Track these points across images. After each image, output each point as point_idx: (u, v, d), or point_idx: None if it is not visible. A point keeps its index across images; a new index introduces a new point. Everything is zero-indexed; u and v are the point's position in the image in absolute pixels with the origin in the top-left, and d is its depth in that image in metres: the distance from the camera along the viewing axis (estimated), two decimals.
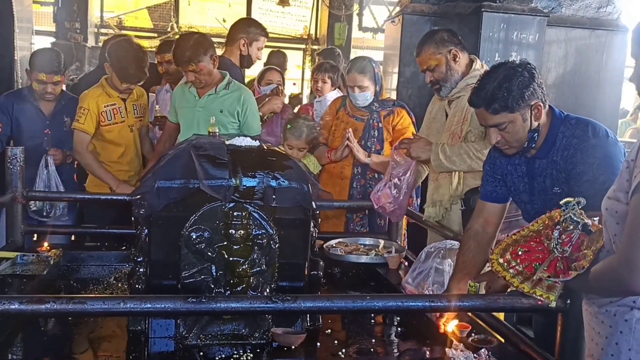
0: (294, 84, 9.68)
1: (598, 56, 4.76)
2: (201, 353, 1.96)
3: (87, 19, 8.70)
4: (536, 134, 2.07)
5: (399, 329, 2.27)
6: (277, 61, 5.07)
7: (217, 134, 2.50)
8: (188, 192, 1.97)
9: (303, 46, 10.05)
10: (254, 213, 2.00)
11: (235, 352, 1.96)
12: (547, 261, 1.62)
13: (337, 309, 1.83)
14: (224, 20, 9.28)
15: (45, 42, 7.99)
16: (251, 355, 1.95)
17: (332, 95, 4.04)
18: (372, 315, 2.32)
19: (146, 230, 2.03)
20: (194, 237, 1.97)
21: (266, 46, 4.32)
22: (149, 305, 1.57)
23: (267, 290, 2.03)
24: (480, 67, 2.88)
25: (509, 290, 1.77)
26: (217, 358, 1.94)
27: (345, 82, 3.86)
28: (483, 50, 4.15)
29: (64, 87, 4.79)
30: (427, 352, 2.02)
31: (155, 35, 9.11)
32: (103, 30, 9.21)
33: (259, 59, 4.09)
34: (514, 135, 2.06)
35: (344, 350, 2.01)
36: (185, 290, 1.96)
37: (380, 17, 9.81)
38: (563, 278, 1.58)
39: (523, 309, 1.69)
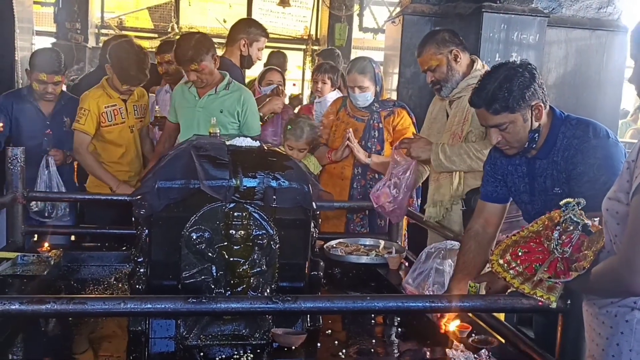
0: (294, 84, 9.68)
1: (598, 57, 4.76)
2: (201, 353, 1.96)
3: (87, 20, 8.70)
4: (537, 135, 2.07)
5: (399, 329, 2.27)
6: (277, 62, 5.07)
7: (218, 134, 2.50)
8: (188, 193, 1.97)
9: (303, 47, 10.05)
10: (254, 213, 2.00)
11: (236, 352, 1.96)
12: (547, 262, 1.62)
13: (338, 309, 1.83)
14: (225, 21, 9.28)
15: (45, 43, 7.99)
16: (251, 355, 1.95)
17: (331, 96, 4.04)
18: (373, 315, 2.32)
19: (146, 231, 2.03)
20: (194, 237, 1.97)
21: (266, 47, 4.32)
22: (149, 306, 1.57)
23: (268, 290, 2.03)
24: (481, 67, 2.88)
25: (509, 290, 1.77)
26: (217, 358, 1.94)
27: (345, 82, 3.87)
28: (483, 50, 4.15)
29: (64, 87, 4.80)
30: (428, 353, 2.02)
31: (156, 35, 9.11)
32: (104, 31, 9.21)
33: (259, 60, 4.09)
34: (515, 136, 2.06)
35: (344, 351, 2.01)
36: (185, 290, 1.96)
37: (380, 17, 9.81)
38: (563, 279, 1.58)
39: (523, 309, 1.69)
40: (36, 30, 6.33)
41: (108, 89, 3.49)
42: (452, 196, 2.85)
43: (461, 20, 4.37)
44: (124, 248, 2.91)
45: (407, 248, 3.14)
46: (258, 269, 2.01)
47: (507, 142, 2.09)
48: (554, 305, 1.61)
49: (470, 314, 2.13)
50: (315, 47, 9.37)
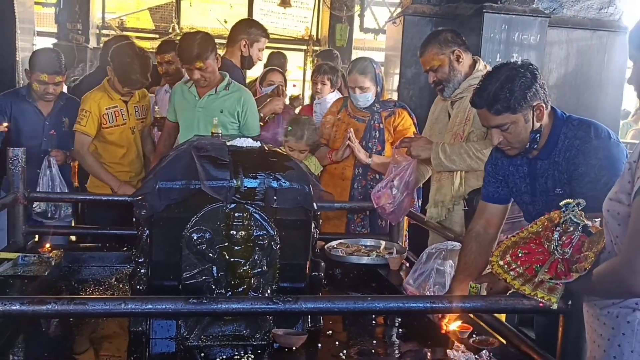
0: (294, 85, 9.68)
1: (599, 57, 4.76)
2: (202, 354, 1.96)
3: (88, 20, 8.71)
4: (538, 135, 2.07)
5: (400, 330, 2.27)
6: (277, 62, 5.06)
7: (220, 134, 2.50)
8: (189, 193, 1.97)
9: (304, 47, 10.05)
10: (255, 214, 2.00)
11: (236, 353, 1.96)
12: (547, 263, 1.61)
13: (338, 310, 1.83)
14: (225, 21, 9.28)
15: (47, 43, 7.99)
16: (252, 356, 1.95)
17: (331, 97, 4.03)
18: (373, 316, 2.32)
19: (147, 231, 2.03)
20: (195, 238, 1.97)
21: (267, 47, 4.32)
22: (150, 306, 1.57)
23: (268, 291, 2.03)
24: (483, 68, 2.88)
25: (510, 291, 1.77)
26: (218, 359, 1.94)
27: (346, 83, 3.87)
28: (484, 51, 4.15)
29: (65, 88, 4.80)
30: (428, 354, 2.02)
31: (157, 36, 9.11)
32: (105, 32, 9.22)
33: (260, 60, 4.09)
34: (516, 136, 2.06)
35: (345, 352, 2.01)
36: (186, 291, 1.96)
37: (381, 18, 9.81)
38: (564, 280, 1.57)
39: (524, 310, 1.69)
40: (37, 31, 6.34)
41: (109, 90, 3.48)
42: (454, 196, 2.85)
43: (462, 20, 4.37)
44: (125, 249, 2.91)
45: (407, 249, 3.13)
46: (259, 270, 2.01)
47: (508, 142, 2.09)
48: (555, 306, 1.60)
49: (471, 315, 2.13)
50: (316, 48, 9.37)
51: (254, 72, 5.16)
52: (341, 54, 8.96)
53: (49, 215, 3.43)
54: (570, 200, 1.61)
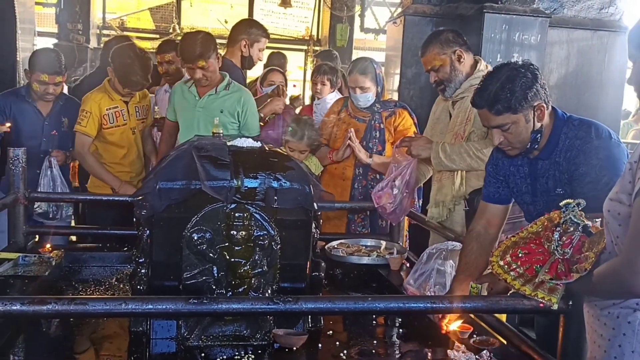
0: (294, 85, 9.67)
1: (600, 57, 4.75)
2: (202, 354, 1.96)
3: (89, 20, 8.71)
4: (539, 135, 2.07)
5: (401, 330, 2.27)
6: (277, 62, 5.06)
7: (222, 134, 2.50)
8: (190, 193, 1.97)
9: (305, 47, 10.05)
10: (255, 214, 2.00)
11: (237, 353, 1.96)
12: (548, 263, 1.61)
13: (339, 310, 1.83)
14: (226, 22, 9.28)
15: (47, 43, 8.00)
16: (252, 356, 1.95)
17: (331, 97, 4.03)
18: (374, 316, 2.32)
19: (148, 231, 2.03)
20: (195, 238, 1.97)
21: (268, 47, 4.31)
22: (150, 307, 1.57)
23: (269, 291, 2.03)
24: (484, 68, 2.88)
25: (510, 292, 1.77)
26: (218, 359, 1.94)
27: (346, 83, 3.86)
28: (485, 51, 4.15)
29: (65, 88, 4.80)
30: (429, 354, 2.02)
31: (157, 36, 9.12)
32: (105, 32, 9.22)
33: (260, 60, 4.09)
34: (517, 136, 2.06)
35: (345, 352, 2.01)
36: (186, 291, 1.96)
37: (382, 18, 9.82)
38: (565, 280, 1.57)
39: (525, 310, 1.69)
40: (38, 31, 6.34)
41: (110, 91, 3.48)
42: (454, 196, 2.85)
43: (463, 20, 4.37)
44: (125, 249, 2.91)
45: (408, 249, 3.13)
46: (259, 270, 2.01)
47: (509, 142, 2.09)
48: (555, 306, 1.60)
49: (471, 315, 2.13)
50: (317, 48, 9.37)
51: (254, 72, 5.16)
52: (342, 54, 8.98)
53: (51, 216, 3.43)
54: (571, 201, 1.61)
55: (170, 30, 9.35)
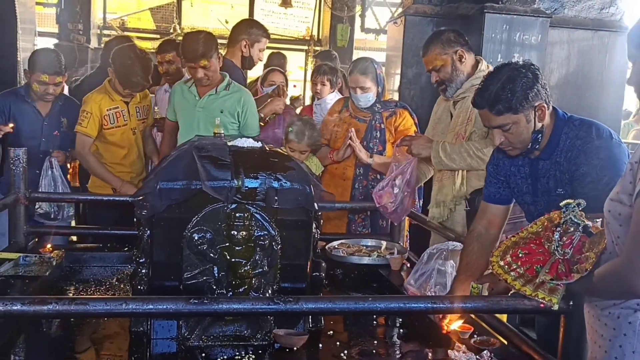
0: (295, 86, 9.68)
1: (601, 57, 4.75)
2: (203, 354, 1.96)
3: (89, 21, 8.72)
4: (540, 135, 2.06)
5: (401, 330, 2.27)
6: (277, 63, 5.06)
7: (223, 135, 2.50)
8: (190, 194, 1.97)
9: (305, 47, 10.06)
10: (256, 214, 2.00)
11: (237, 353, 1.96)
12: (548, 263, 1.61)
13: (339, 310, 1.83)
14: (227, 22, 9.28)
15: (48, 44, 8.01)
16: (253, 356, 1.95)
17: (331, 97, 4.03)
18: (374, 316, 2.32)
19: (148, 232, 2.03)
20: (196, 238, 1.97)
21: (268, 47, 4.31)
22: (151, 307, 1.57)
23: (269, 291, 2.03)
24: (485, 68, 2.88)
25: (511, 292, 1.76)
26: (219, 359, 1.94)
27: (347, 83, 3.86)
28: (485, 51, 4.14)
29: (66, 88, 4.79)
30: (430, 354, 2.02)
31: (158, 36, 9.12)
32: (106, 32, 9.23)
33: (260, 60, 4.09)
34: (518, 137, 2.06)
35: (346, 352, 2.01)
36: (187, 291, 1.96)
37: (382, 18, 9.82)
38: (565, 281, 1.57)
39: (525, 310, 1.69)
40: (38, 31, 6.35)
41: (110, 92, 3.48)
42: (455, 196, 2.85)
43: (463, 20, 4.37)
44: (126, 249, 2.91)
45: (408, 249, 3.13)
46: (260, 270, 2.01)
47: (510, 143, 2.09)
48: (556, 307, 1.60)
49: (472, 315, 2.13)
50: (317, 48, 9.38)
51: (254, 72, 5.16)
52: (342, 54, 8.99)
53: (52, 217, 3.42)
54: (571, 201, 1.61)
55: (171, 31, 9.36)
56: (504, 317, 2.19)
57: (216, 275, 1.99)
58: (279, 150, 2.35)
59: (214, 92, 3.35)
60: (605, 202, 1.55)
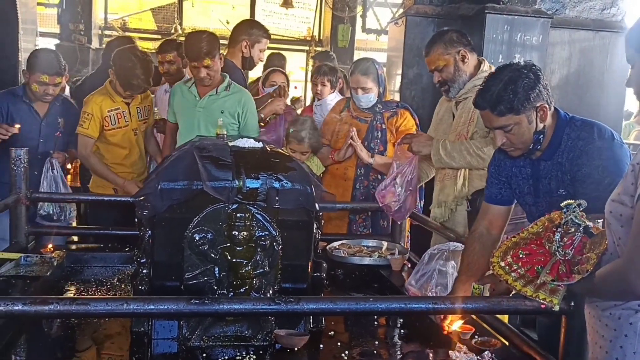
0: (296, 87, 9.68)
1: (602, 58, 4.75)
2: (204, 354, 1.96)
3: (91, 21, 8.74)
4: (541, 136, 2.06)
5: (402, 331, 2.27)
6: (277, 63, 5.05)
7: (225, 135, 2.50)
8: (191, 194, 1.97)
9: (306, 48, 10.07)
10: (257, 214, 2.00)
11: (238, 353, 1.96)
12: (549, 264, 1.61)
13: (340, 310, 1.83)
14: (228, 22, 9.30)
15: (49, 44, 8.03)
16: (254, 357, 1.95)
17: (331, 98, 4.03)
18: (375, 317, 2.32)
19: (149, 232, 2.03)
20: (197, 238, 1.97)
21: (269, 48, 4.31)
22: (152, 307, 1.57)
23: (270, 291, 2.03)
24: (488, 68, 2.88)
25: (512, 292, 1.76)
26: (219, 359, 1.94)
27: (348, 83, 3.86)
28: (486, 51, 4.14)
29: (67, 89, 4.79)
30: (430, 354, 2.02)
31: (159, 37, 9.14)
32: (107, 32, 9.25)
33: (261, 61, 4.09)
34: (520, 137, 2.05)
35: (347, 352, 2.01)
36: (188, 291, 1.96)
37: (383, 18, 9.83)
38: (566, 281, 1.57)
39: (527, 311, 1.69)
40: (40, 32, 6.35)
41: (111, 93, 3.48)
42: (456, 197, 2.85)
43: (464, 21, 4.37)
44: (127, 249, 2.92)
45: (409, 249, 3.13)
46: (261, 270, 2.01)
47: (511, 143, 2.09)
48: (557, 307, 1.60)
49: (473, 316, 2.12)
50: (318, 49, 9.38)
51: (254, 73, 5.16)
52: (343, 54, 9.00)
53: (55, 218, 3.41)
54: (572, 201, 1.60)
55: (172, 31, 9.37)
56: (505, 318, 2.18)
57: (217, 275, 1.99)
58: (280, 150, 2.35)
59: (215, 93, 3.35)
60: (606, 203, 1.55)
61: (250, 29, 3.82)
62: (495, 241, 2.25)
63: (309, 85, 9.01)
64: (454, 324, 2.08)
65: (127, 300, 1.66)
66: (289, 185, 2.03)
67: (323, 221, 2.30)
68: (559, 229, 1.61)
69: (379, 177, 3.39)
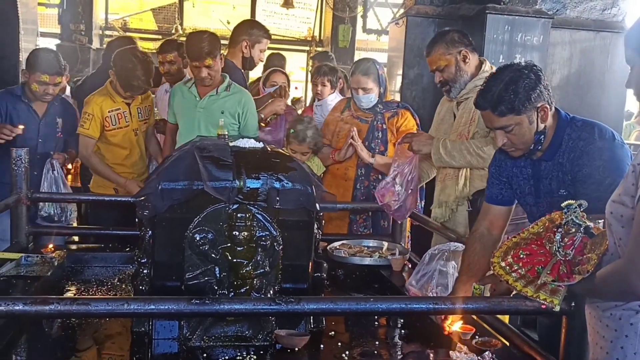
0: (296, 88, 9.69)
1: (603, 58, 4.75)
2: (204, 355, 1.96)
3: (91, 21, 8.74)
4: (542, 136, 2.06)
5: (403, 331, 2.27)
6: (277, 64, 5.05)
7: (227, 136, 2.50)
8: (192, 194, 1.97)
9: (307, 48, 10.07)
10: (257, 215, 2.00)
11: (239, 354, 1.96)
12: (550, 265, 1.61)
13: (341, 311, 1.83)
14: (228, 22, 9.30)
15: (50, 44, 8.03)
16: (254, 357, 1.95)
17: (331, 98, 4.03)
18: (376, 317, 2.32)
19: (150, 232, 2.03)
20: (197, 238, 1.97)
21: (270, 48, 4.30)
22: (152, 307, 1.57)
23: (271, 292, 2.03)
24: (489, 69, 2.88)
25: (513, 293, 1.76)
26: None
27: (349, 84, 3.86)
28: (487, 52, 4.14)
29: (68, 89, 4.79)
30: (431, 355, 2.02)
31: (160, 37, 9.14)
32: (108, 32, 9.25)
33: (261, 61, 4.08)
34: (520, 138, 2.05)
35: (347, 353, 2.01)
36: (188, 291, 1.96)
37: (384, 19, 9.82)
38: (567, 282, 1.57)
39: (527, 311, 1.69)
40: (40, 32, 6.36)
41: (112, 93, 3.48)
42: (458, 197, 2.85)
43: (465, 21, 4.36)
44: (128, 249, 2.92)
45: (410, 250, 3.13)
46: (261, 270, 2.01)
47: (512, 144, 2.08)
48: (557, 308, 1.60)
49: (474, 316, 2.12)
50: (319, 49, 9.38)
51: (254, 73, 5.16)
52: (344, 55, 9.00)
53: (56, 219, 3.41)
54: (572, 202, 1.60)
55: (173, 31, 9.38)
56: (505, 318, 2.18)
57: (218, 275, 1.99)
58: (281, 150, 2.35)
59: (215, 93, 3.35)
60: (607, 203, 1.55)
61: (250, 29, 3.82)
62: (496, 241, 2.25)
63: (309, 85, 9.02)
64: (455, 325, 2.07)
65: (127, 300, 1.66)
66: (289, 186, 2.03)
67: (324, 221, 2.30)
68: (560, 230, 1.61)
69: (380, 177, 3.39)
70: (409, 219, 3.20)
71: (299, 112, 4.56)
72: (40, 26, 6.31)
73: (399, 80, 4.68)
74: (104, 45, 6.70)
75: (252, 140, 2.24)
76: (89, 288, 2.58)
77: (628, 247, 1.42)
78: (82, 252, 2.95)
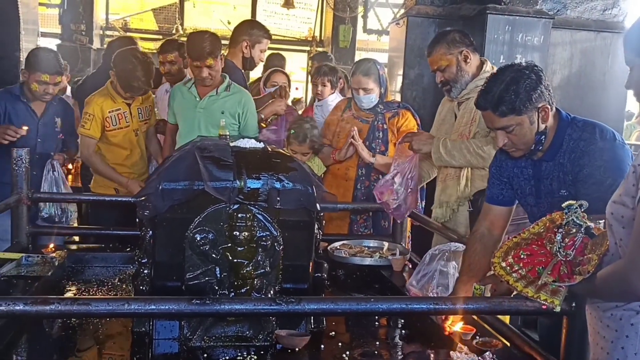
0: (297, 88, 9.69)
1: (603, 58, 4.75)
2: (205, 355, 1.96)
3: (92, 21, 8.74)
4: (543, 137, 2.06)
5: (403, 331, 2.27)
6: (277, 64, 5.05)
7: (228, 136, 2.50)
8: (192, 194, 1.97)
9: (308, 48, 10.07)
10: (258, 215, 2.00)
11: (239, 354, 1.96)
12: (550, 265, 1.60)
13: (341, 311, 1.83)
14: (229, 23, 9.30)
15: (50, 44, 8.03)
16: (255, 357, 1.95)
17: (332, 98, 4.03)
18: (376, 317, 2.32)
19: (150, 232, 2.03)
20: (198, 238, 1.97)
21: (270, 48, 4.30)
22: (153, 307, 1.57)
23: (271, 292, 2.03)
24: (490, 69, 2.88)
25: (514, 293, 1.76)
26: None
27: (349, 84, 3.86)
28: (488, 52, 4.14)
29: (68, 89, 4.79)
30: (432, 355, 2.02)
31: (160, 37, 9.14)
32: (108, 32, 9.25)
33: (261, 61, 4.08)
34: (521, 138, 2.05)
35: (348, 353, 2.01)
36: (189, 291, 1.96)
37: (384, 19, 9.82)
38: (568, 283, 1.56)
39: (528, 311, 1.68)
40: (41, 32, 6.36)
41: (112, 94, 3.48)
42: (459, 197, 2.85)
43: (465, 22, 4.36)
44: (128, 249, 2.92)
45: (411, 250, 3.13)
46: (262, 271, 2.01)
47: (513, 144, 2.08)
48: (558, 308, 1.59)
49: (474, 316, 2.12)
50: (320, 49, 9.39)
51: (254, 73, 5.16)
52: (344, 55, 9.00)
53: (56, 220, 3.41)
54: (573, 202, 1.60)
55: (173, 31, 9.38)
56: (506, 319, 2.18)
57: (218, 275, 1.99)
58: (281, 151, 2.35)
59: (215, 93, 3.35)
60: (608, 204, 1.55)
61: (250, 29, 3.82)
62: (497, 242, 2.25)
63: (310, 85, 9.02)
64: (455, 325, 2.07)
65: (128, 300, 1.66)
66: (290, 186, 2.03)
67: (324, 221, 2.30)
68: (561, 230, 1.61)
69: (380, 177, 3.38)
70: (409, 219, 3.20)
71: (299, 112, 4.55)
72: (40, 26, 6.31)
73: (399, 81, 4.68)
74: (105, 46, 6.70)
75: (253, 140, 2.24)
76: (89, 288, 2.58)
77: (629, 247, 1.42)
78: (83, 252, 2.95)
